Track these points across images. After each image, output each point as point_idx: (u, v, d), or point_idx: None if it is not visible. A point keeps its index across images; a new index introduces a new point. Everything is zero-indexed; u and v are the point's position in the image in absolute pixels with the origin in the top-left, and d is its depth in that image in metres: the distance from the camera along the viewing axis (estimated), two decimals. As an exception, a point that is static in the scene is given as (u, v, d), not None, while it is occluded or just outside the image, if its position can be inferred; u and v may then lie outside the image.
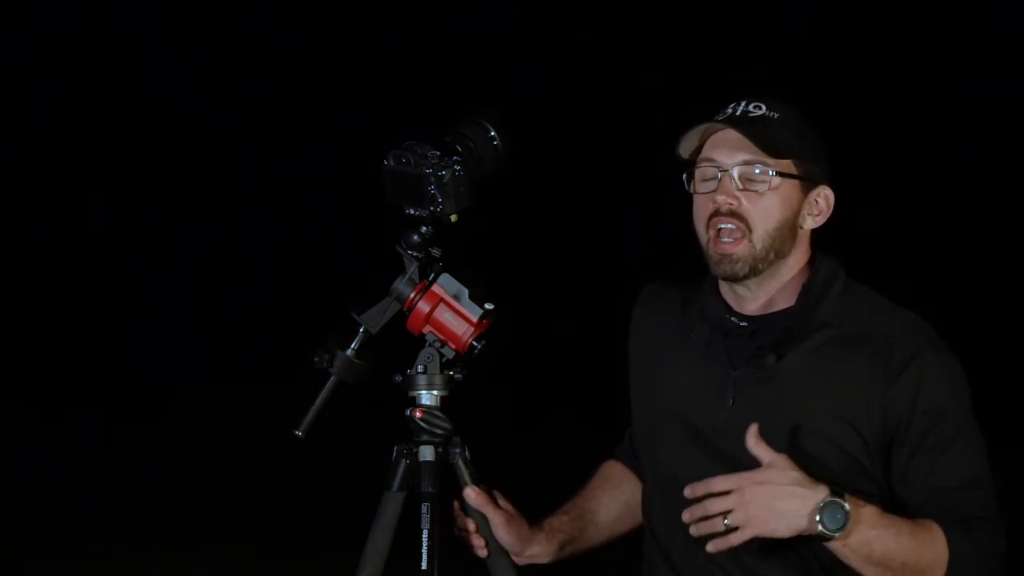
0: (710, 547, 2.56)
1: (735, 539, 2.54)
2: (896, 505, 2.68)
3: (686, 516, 2.57)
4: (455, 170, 2.72)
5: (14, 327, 11.15)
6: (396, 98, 10.58)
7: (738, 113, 2.73)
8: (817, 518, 2.52)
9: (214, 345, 11.10)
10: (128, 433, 9.87)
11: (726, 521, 2.53)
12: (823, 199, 2.77)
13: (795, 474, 2.54)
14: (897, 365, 2.66)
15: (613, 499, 2.98)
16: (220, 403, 10.26)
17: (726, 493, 2.55)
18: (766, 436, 2.67)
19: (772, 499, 2.52)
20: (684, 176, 2.78)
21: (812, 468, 2.63)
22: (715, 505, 2.54)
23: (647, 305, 2.95)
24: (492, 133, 2.81)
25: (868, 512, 2.56)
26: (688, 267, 2.86)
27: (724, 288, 2.80)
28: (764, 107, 2.73)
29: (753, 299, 2.77)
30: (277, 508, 7.99)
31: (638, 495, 2.95)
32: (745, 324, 2.76)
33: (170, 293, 11.36)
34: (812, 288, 2.74)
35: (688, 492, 2.57)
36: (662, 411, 2.84)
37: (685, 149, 2.77)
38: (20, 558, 7.11)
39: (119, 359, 11.15)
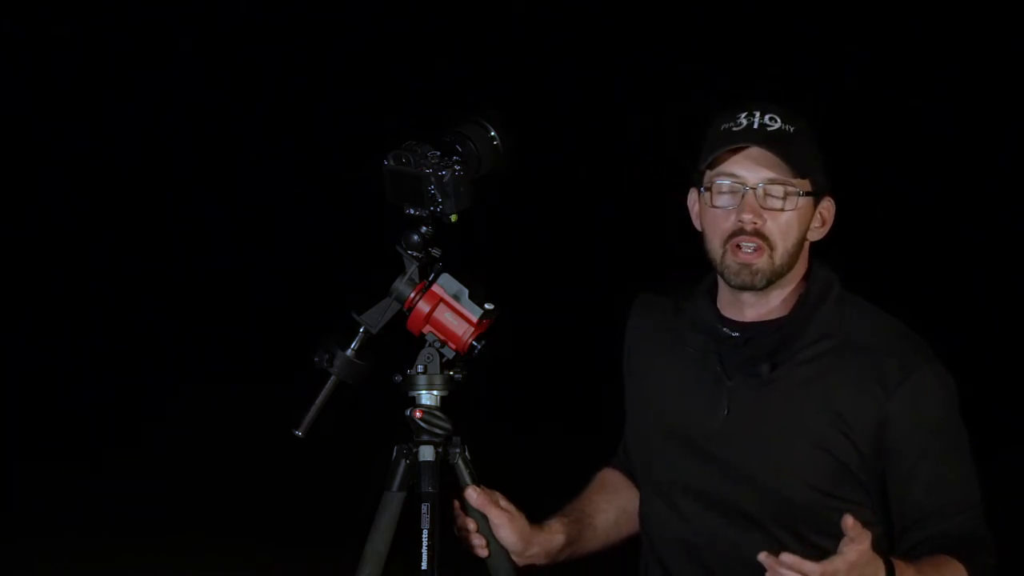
0: None
1: None
2: (891, 520, 2.70)
3: None
4: (455, 170, 2.72)
5: (12, 327, 11.15)
6: (396, 98, 10.57)
7: (755, 126, 2.70)
8: None
9: (214, 345, 11.10)
10: (128, 433, 9.87)
11: None
12: (827, 211, 2.78)
13: (871, 552, 2.51)
14: (894, 378, 2.67)
15: (611, 504, 2.98)
16: (220, 403, 10.26)
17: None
18: (759, 444, 2.68)
19: None
20: (700, 188, 2.77)
21: (804, 475, 2.65)
22: None
23: (640, 316, 2.95)
24: (492, 133, 2.81)
25: (908, 573, 2.57)
26: (687, 266, 2.86)
27: (723, 294, 2.79)
28: (779, 119, 2.71)
29: (755, 307, 2.76)
30: (277, 508, 7.99)
31: (635, 502, 2.95)
32: (737, 334, 2.76)
33: (170, 293, 11.36)
34: (809, 298, 2.75)
35: (765, 559, 2.48)
36: (657, 421, 2.84)
37: (704, 159, 2.74)
38: (21, 558, 7.11)
39: (118, 359, 11.14)
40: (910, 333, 2.74)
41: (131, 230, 11.43)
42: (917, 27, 10.10)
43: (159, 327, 11.26)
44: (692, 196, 2.80)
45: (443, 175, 2.71)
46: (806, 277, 2.78)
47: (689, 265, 2.86)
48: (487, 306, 2.77)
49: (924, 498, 2.67)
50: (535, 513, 2.89)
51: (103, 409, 10.42)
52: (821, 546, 2.63)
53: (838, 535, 2.61)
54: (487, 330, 2.78)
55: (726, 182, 2.71)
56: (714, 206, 2.73)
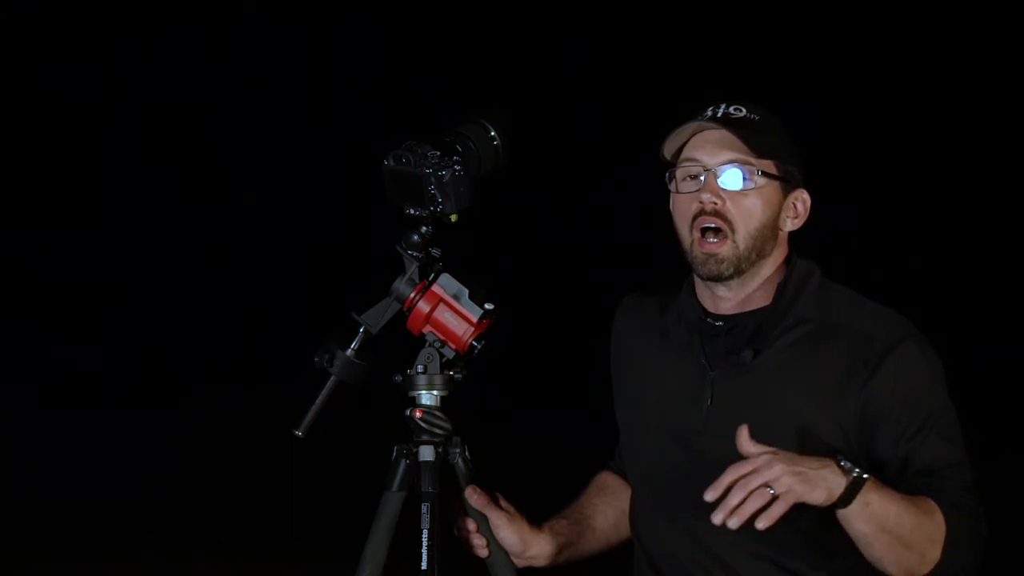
0: (760, 523, 2.48)
1: (777, 509, 2.48)
2: None
3: (717, 518, 2.48)
4: (455, 170, 2.72)
5: (12, 326, 11.16)
6: (396, 98, 10.58)
7: (719, 114, 2.74)
8: (843, 464, 2.52)
9: (214, 345, 11.11)
10: (128, 433, 9.87)
11: (771, 491, 2.48)
12: (801, 202, 2.79)
13: (793, 453, 2.55)
14: (876, 356, 2.68)
15: (609, 506, 2.99)
16: (220, 403, 10.27)
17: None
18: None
19: (795, 465, 2.51)
20: (667, 176, 2.80)
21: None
22: (753, 481, 2.48)
23: (626, 315, 2.96)
24: (492, 133, 2.81)
25: (873, 478, 2.56)
26: (675, 265, 2.87)
27: (701, 289, 2.81)
28: (744, 109, 2.75)
29: (731, 299, 2.78)
30: (277, 508, 7.99)
31: None
32: (720, 324, 2.78)
33: (170, 294, 11.36)
34: (788, 285, 2.76)
35: (710, 496, 2.51)
36: (644, 416, 2.85)
37: (668, 150, 2.79)
38: (21, 558, 7.12)
39: (119, 360, 11.15)
40: (898, 317, 2.74)
41: (130, 230, 11.44)
42: (917, 27, 10.11)
43: (159, 327, 11.27)
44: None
45: (443, 175, 2.71)
46: (785, 266, 2.80)
47: (685, 266, 2.86)
48: (487, 306, 2.77)
49: (901, 474, 2.66)
50: (535, 513, 2.89)
51: (103, 409, 10.42)
52: (814, 532, 2.64)
53: (831, 520, 2.61)
54: (487, 330, 2.78)
55: (689, 166, 2.75)
56: (679, 192, 2.77)
